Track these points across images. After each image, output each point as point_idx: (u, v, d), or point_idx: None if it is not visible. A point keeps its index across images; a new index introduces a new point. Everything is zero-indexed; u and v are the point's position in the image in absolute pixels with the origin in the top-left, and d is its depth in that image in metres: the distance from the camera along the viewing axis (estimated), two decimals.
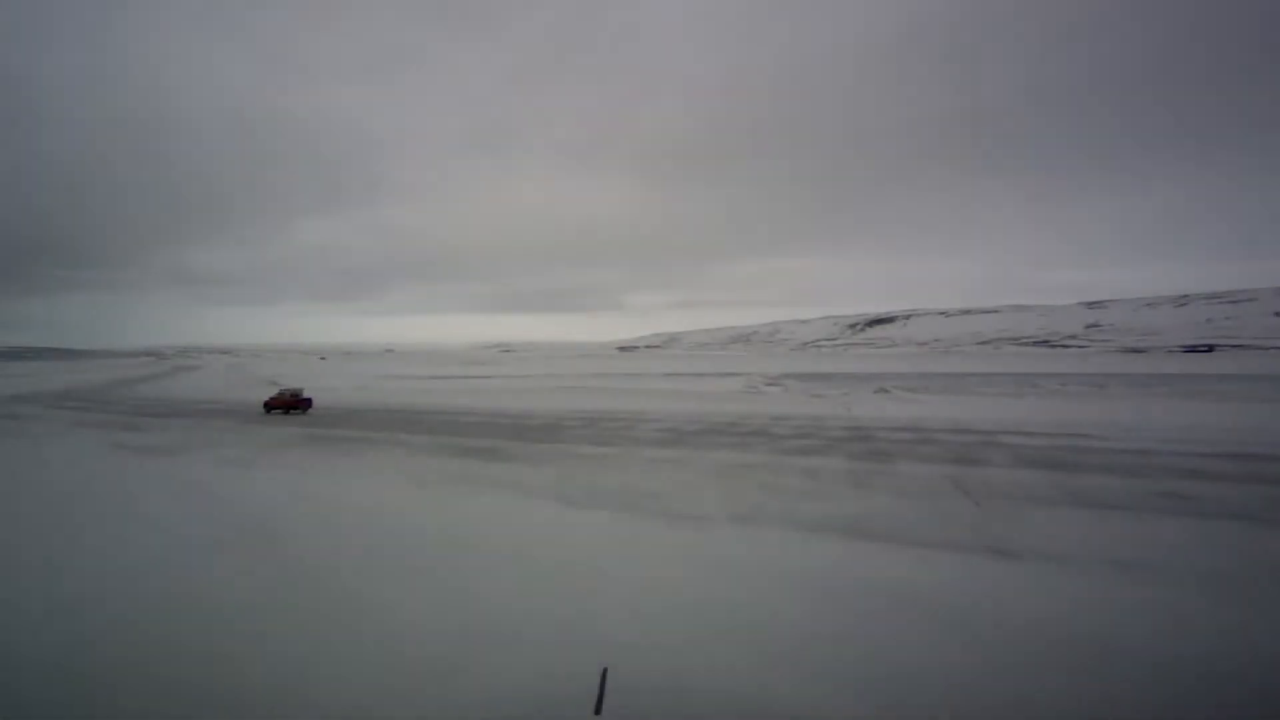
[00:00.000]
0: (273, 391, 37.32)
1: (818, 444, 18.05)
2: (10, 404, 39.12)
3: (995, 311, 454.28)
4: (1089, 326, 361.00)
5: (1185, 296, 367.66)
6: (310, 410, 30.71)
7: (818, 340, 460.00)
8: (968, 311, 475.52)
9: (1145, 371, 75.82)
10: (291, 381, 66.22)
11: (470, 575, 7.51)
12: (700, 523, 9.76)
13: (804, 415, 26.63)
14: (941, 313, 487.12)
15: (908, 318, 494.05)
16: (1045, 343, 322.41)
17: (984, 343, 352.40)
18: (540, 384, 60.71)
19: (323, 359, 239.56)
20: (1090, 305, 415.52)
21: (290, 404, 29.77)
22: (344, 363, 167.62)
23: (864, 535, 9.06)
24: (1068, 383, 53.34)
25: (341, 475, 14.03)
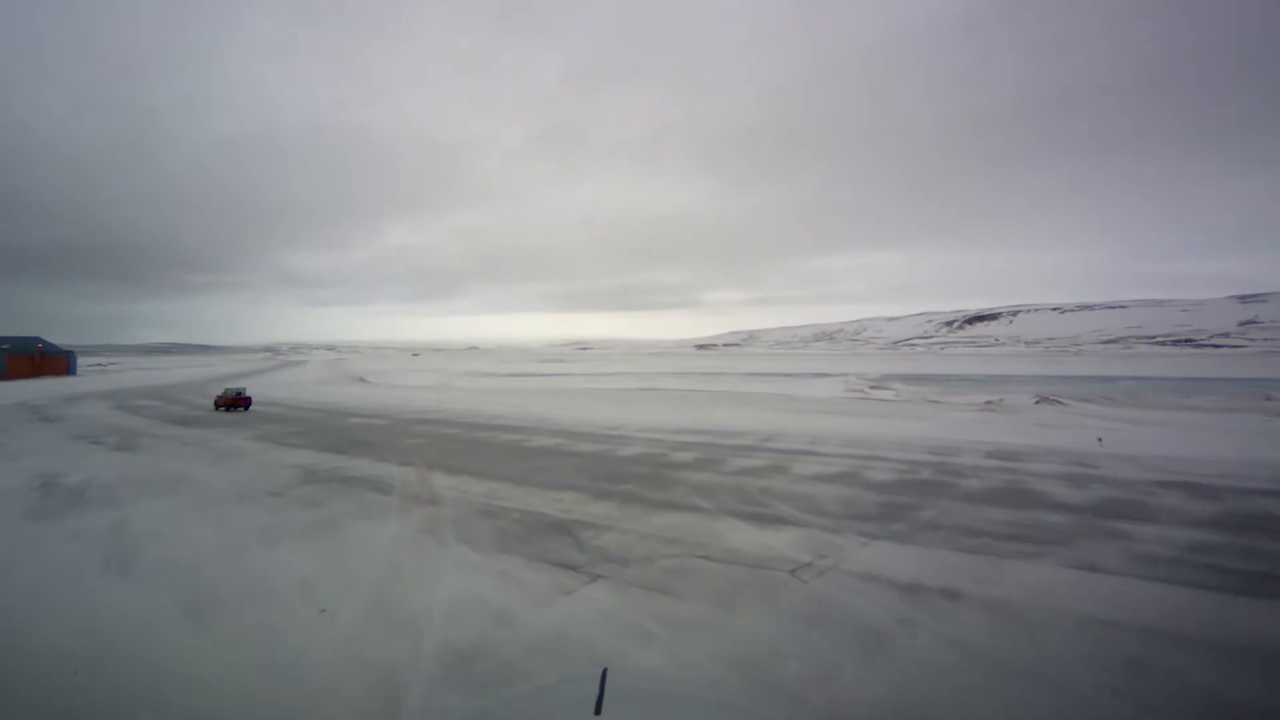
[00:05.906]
0: (360, 387, 39.73)
1: (1197, 542, 9.04)
2: (83, 402, 37.00)
3: (1122, 307, 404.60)
4: (1244, 323, 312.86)
5: None
6: (262, 413, 30.01)
7: (910, 338, 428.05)
8: (1087, 307, 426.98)
9: None
10: (380, 377, 66.42)
11: None
12: None
13: (1040, 449, 17.33)
14: (1055, 308, 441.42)
15: (1014, 314, 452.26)
16: (1188, 342, 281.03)
17: (1110, 341, 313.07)
18: (623, 384, 53.88)
19: (415, 355, 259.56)
20: (1243, 299, 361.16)
21: (232, 402, 31.03)
22: (432, 359, 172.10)
23: None
24: None
25: (270, 601, 6.79)
